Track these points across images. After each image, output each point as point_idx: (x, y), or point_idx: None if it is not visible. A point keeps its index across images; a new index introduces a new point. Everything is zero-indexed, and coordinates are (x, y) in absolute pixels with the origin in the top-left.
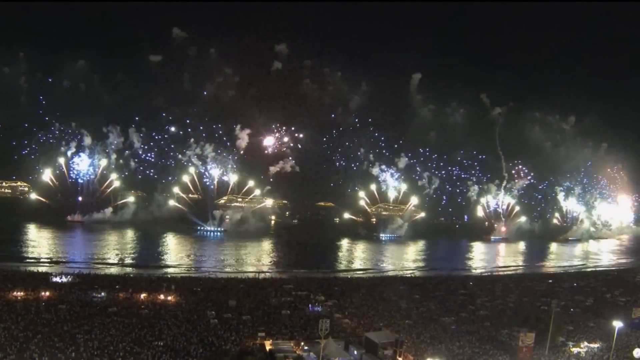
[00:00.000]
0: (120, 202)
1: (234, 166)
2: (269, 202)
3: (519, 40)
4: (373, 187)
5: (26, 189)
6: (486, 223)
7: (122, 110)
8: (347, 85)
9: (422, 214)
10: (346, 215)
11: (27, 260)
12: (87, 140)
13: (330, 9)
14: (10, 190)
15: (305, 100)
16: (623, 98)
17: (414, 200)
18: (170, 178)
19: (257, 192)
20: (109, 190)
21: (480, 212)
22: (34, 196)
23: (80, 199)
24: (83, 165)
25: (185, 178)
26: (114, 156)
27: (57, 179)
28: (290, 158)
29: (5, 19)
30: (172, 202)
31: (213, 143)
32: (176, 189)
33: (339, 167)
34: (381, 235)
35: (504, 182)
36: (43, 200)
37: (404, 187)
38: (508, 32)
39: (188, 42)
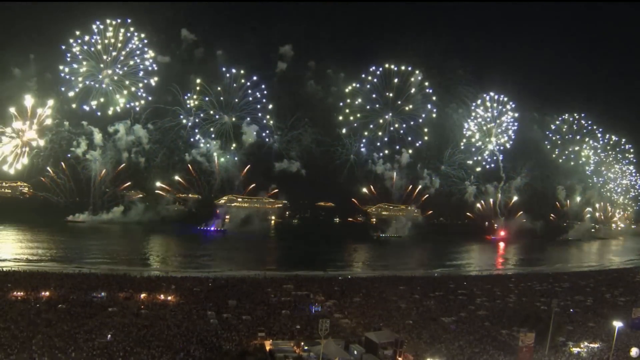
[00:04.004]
0: (128, 202)
1: (238, 165)
2: (267, 204)
3: (519, 40)
4: (373, 187)
5: (26, 189)
6: (486, 223)
7: (128, 109)
8: (349, 85)
9: (422, 214)
10: (346, 216)
11: (28, 260)
12: (97, 138)
13: (332, 9)
14: (10, 190)
15: (309, 101)
16: (623, 97)
17: (414, 200)
18: (174, 177)
19: (261, 192)
20: (117, 190)
21: (480, 212)
22: (38, 195)
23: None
24: (92, 163)
25: (187, 178)
26: (124, 155)
27: (66, 178)
28: (294, 159)
29: (11, 19)
30: (174, 202)
31: (219, 141)
32: (178, 189)
33: (341, 166)
34: (381, 235)
35: (502, 183)
36: (49, 200)
37: (404, 186)
38: (507, 31)
39: (196, 43)
